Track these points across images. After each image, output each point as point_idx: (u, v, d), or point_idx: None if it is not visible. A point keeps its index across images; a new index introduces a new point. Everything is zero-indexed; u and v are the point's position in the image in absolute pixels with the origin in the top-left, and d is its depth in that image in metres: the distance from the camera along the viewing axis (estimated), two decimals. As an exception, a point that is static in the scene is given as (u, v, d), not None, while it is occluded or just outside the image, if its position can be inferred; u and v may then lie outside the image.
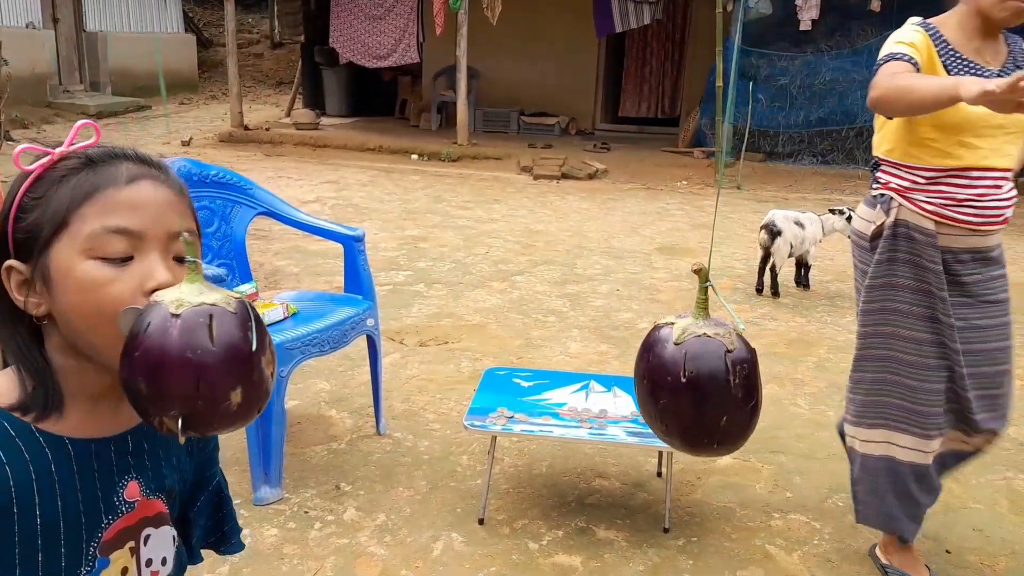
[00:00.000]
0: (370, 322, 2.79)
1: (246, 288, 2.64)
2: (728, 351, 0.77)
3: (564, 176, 8.72)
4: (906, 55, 1.93)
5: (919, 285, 2.00)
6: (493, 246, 5.70)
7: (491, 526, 2.35)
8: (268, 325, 2.49)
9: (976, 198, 1.93)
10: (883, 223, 2.04)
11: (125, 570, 0.85)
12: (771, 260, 4.61)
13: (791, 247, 4.58)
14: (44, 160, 0.81)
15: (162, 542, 0.89)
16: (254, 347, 0.71)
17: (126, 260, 0.78)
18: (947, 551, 2.32)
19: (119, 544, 0.84)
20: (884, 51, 1.99)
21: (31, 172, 0.80)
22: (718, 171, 8.66)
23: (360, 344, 2.87)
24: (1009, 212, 1.98)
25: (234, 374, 0.70)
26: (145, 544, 0.87)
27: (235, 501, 2.38)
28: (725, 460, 2.78)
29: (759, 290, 4.72)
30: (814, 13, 8.93)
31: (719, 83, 8.48)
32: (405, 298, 4.45)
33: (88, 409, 0.82)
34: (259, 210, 2.88)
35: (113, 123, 11.86)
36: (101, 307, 0.76)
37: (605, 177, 8.88)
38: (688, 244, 6.00)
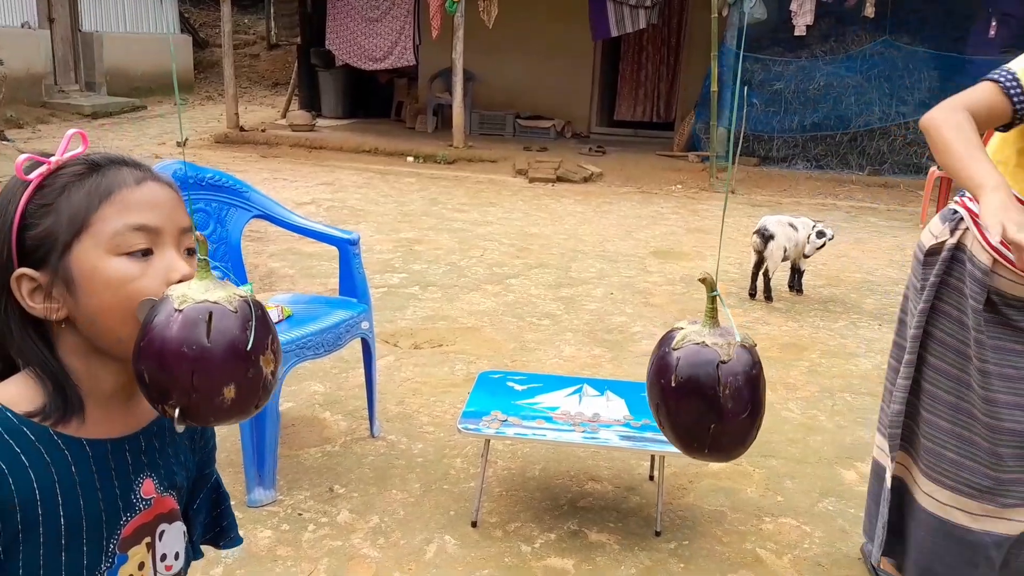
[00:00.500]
0: (364, 325, 2.80)
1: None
2: (722, 361, 0.78)
3: (559, 179, 8.74)
4: (1011, 83, 1.65)
5: (960, 316, 1.84)
6: (488, 249, 5.71)
7: (484, 529, 2.36)
8: (263, 328, 2.51)
9: None
10: (944, 242, 1.89)
11: (142, 565, 0.88)
12: (764, 265, 4.63)
13: (785, 250, 4.61)
14: (43, 169, 0.83)
15: (175, 537, 0.92)
16: (250, 346, 0.73)
17: (147, 255, 0.82)
18: (936, 555, 2.34)
19: (137, 540, 0.87)
20: (1008, 65, 1.70)
21: (30, 181, 0.82)
22: (711, 175, 8.69)
23: (354, 346, 2.88)
24: None
25: (228, 371, 0.73)
26: (160, 539, 0.90)
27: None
28: (716, 464, 2.79)
29: (752, 295, 4.74)
30: (809, 19, 8.98)
31: (714, 87, 8.52)
32: (400, 300, 4.46)
33: (102, 411, 0.85)
34: (255, 213, 2.89)
35: (108, 123, 11.85)
36: (130, 300, 0.79)
37: (600, 180, 8.91)
38: (683, 248, 6.02)
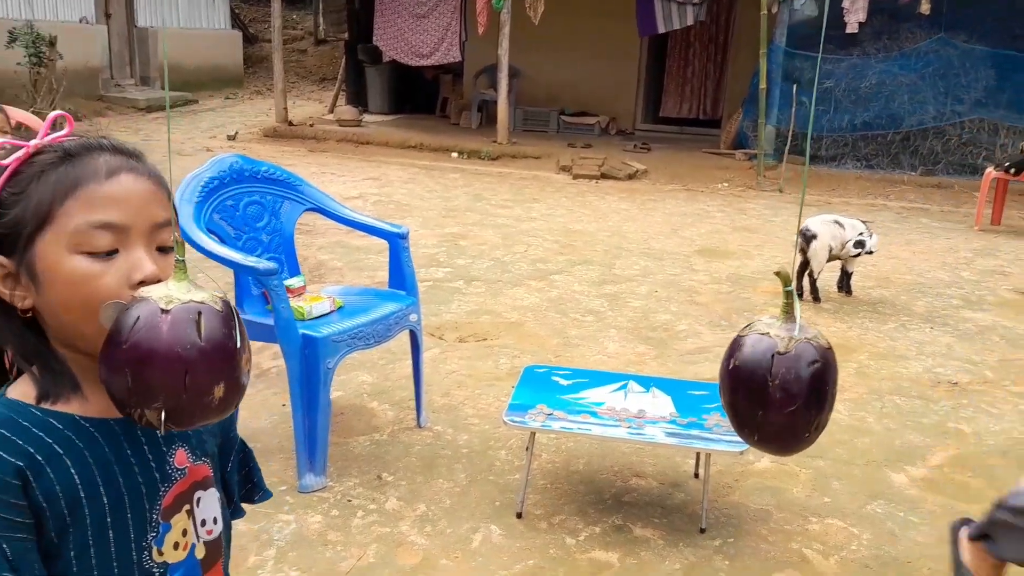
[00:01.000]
0: (413, 317, 2.85)
1: (295, 281, 2.71)
2: (778, 352, 0.79)
3: (603, 176, 8.72)
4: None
5: None
6: (532, 245, 5.73)
7: (529, 520, 2.39)
8: (316, 317, 2.57)
9: None
10: None
11: (185, 531, 0.90)
12: (809, 266, 4.58)
13: (831, 249, 4.54)
14: (19, 154, 0.80)
15: (211, 503, 0.94)
16: (238, 345, 0.75)
17: (112, 253, 0.80)
18: (988, 561, 2.30)
19: (177, 508, 0.89)
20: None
21: (6, 167, 0.80)
22: (758, 173, 8.58)
23: (401, 338, 2.93)
24: None
25: (219, 370, 0.74)
26: (198, 506, 0.92)
27: (280, 488, 2.47)
28: (763, 463, 2.78)
29: (799, 294, 4.68)
30: (861, 16, 8.82)
31: (763, 85, 8.41)
32: (445, 294, 4.51)
33: None
34: (308, 206, 2.95)
35: (161, 117, 12.13)
36: (88, 301, 0.78)
37: (645, 178, 8.86)
38: (728, 247, 5.97)
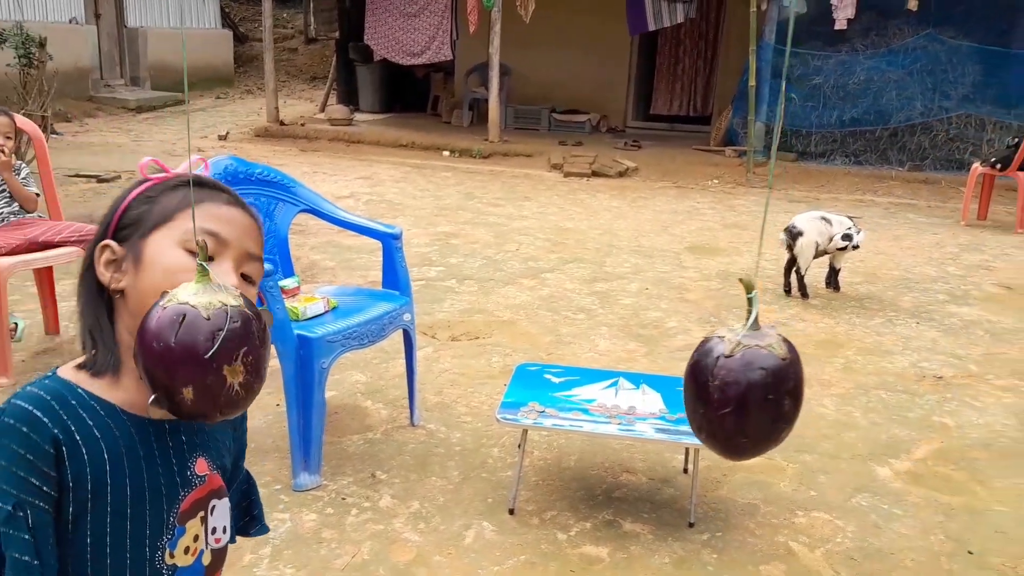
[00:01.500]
0: (407, 317, 2.89)
1: (289, 282, 2.75)
2: (725, 355, 0.81)
3: (594, 174, 8.76)
4: None
5: None
6: (523, 243, 5.77)
7: (521, 516, 2.43)
8: (310, 318, 2.60)
9: None
10: None
11: (196, 537, 0.95)
12: (796, 262, 4.63)
13: (817, 246, 4.59)
14: (161, 175, 0.98)
15: (223, 512, 1.00)
16: (210, 354, 0.78)
17: (208, 259, 0.89)
18: (969, 552, 2.35)
19: (193, 514, 0.95)
20: None
21: (149, 179, 0.97)
22: (747, 170, 8.65)
23: (394, 337, 2.96)
24: None
25: (185, 374, 0.78)
26: (212, 514, 0.97)
27: (275, 487, 2.50)
28: (750, 459, 2.83)
29: (787, 291, 4.74)
30: (850, 12, 8.87)
31: (752, 82, 8.46)
32: (437, 293, 4.54)
33: None
34: (302, 207, 2.98)
35: (151, 117, 12.12)
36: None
37: (636, 175, 8.91)
38: (718, 244, 6.02)
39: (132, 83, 13.65)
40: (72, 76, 11.70)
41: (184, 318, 0.78)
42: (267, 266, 2.46)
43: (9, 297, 3.27)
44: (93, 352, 0.92)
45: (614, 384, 2.63)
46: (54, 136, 9.27)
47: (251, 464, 2.68)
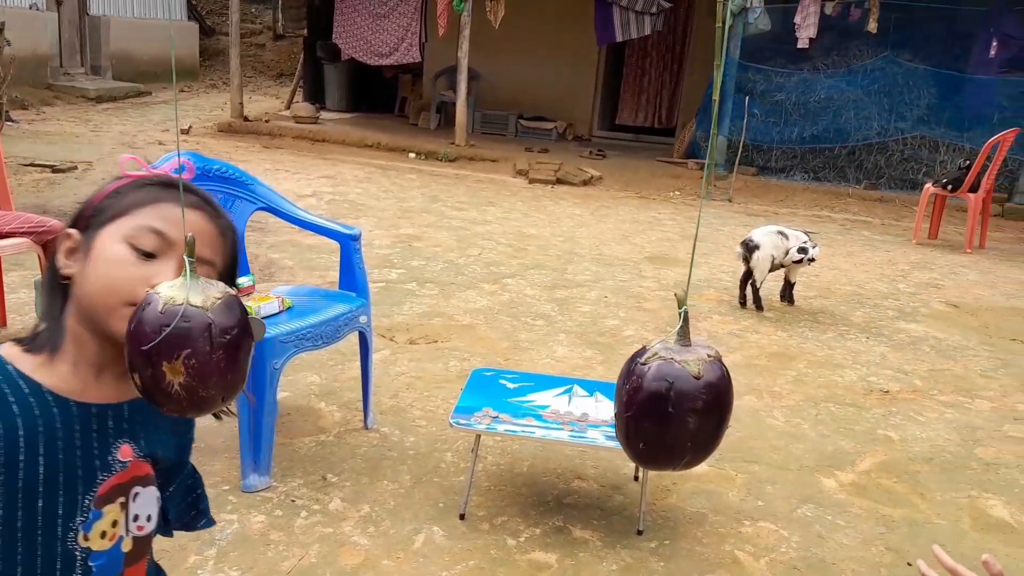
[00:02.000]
0: (363, 319, 2.87)
1: (244, 281, 2.71)
2: (640, 362, 0.85)
3: (559, 181, 8.82)
4: None
5: None
6: (486, 248, 5.78)
7: (471, 522, 2.43)
8: (264, 317, 2.57)
9: None
10: None
11: (115, 523, 0.96)
12: (752, 276, 4.71)
13: (773, 259, 4.68)
14: (138, 173, 1.01)
15: (148, 500, 1.01)
16: (148, 347, 0.80)
17: (150, 257, 0.93)
18: (908, 563, 2.42)
19: (111, 499, 0.96)
20: None
21: (128, 176, 1.00)
22: (708, 183, 8.77)
23: (350, 339, 2.95)
24: None
25: (134, 360, 0.82)
26: (134, 500, 0.98)
27: (224, 487, 2.47)
28: (701, 467, 2.87)
29: (742, 303, 4.82)
30: (812, 31, 9.06)
31: (715, 96, 8.59)
32: (397, 296, 4.53)
33: (92, 377, 0.95)
34: (259, 205, 2.95)
35: (112, 108, 11.88)
36: (112, 283, 0.91)
37: (599, 184, 8.98)
38: (678, 254, 6.10)
39: (92, 72, 13.36)
40: (30, 63, 11.42)
41: (147, 306, 0.82)
42: (247, 279, 2.43)
43: (-47, 288, 3.19)
44: (38, 331, 0.95)
45: (568, 391, 2.65)
46: (9, 124, 9.04)
47: (200, 463, 2.64)
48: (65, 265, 0.95)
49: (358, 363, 3.07)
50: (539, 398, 2.59)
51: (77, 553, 0.93)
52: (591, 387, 2.72)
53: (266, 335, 2.46)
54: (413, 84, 12.46)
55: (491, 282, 4.96)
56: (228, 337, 0.83)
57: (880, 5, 8.67)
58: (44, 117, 10.50)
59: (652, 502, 2.61)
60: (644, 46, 11.77)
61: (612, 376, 3.57)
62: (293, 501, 2.47)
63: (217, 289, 0.85)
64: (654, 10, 10.10)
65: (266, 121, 10.87)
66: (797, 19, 9.09)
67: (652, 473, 2.68)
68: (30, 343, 0.94)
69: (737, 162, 8.94)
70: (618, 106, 12.34)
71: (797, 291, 5.02)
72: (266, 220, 5.60)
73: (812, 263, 4.77)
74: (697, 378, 0.83)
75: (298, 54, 13.68)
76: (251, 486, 2.50)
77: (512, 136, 11.42)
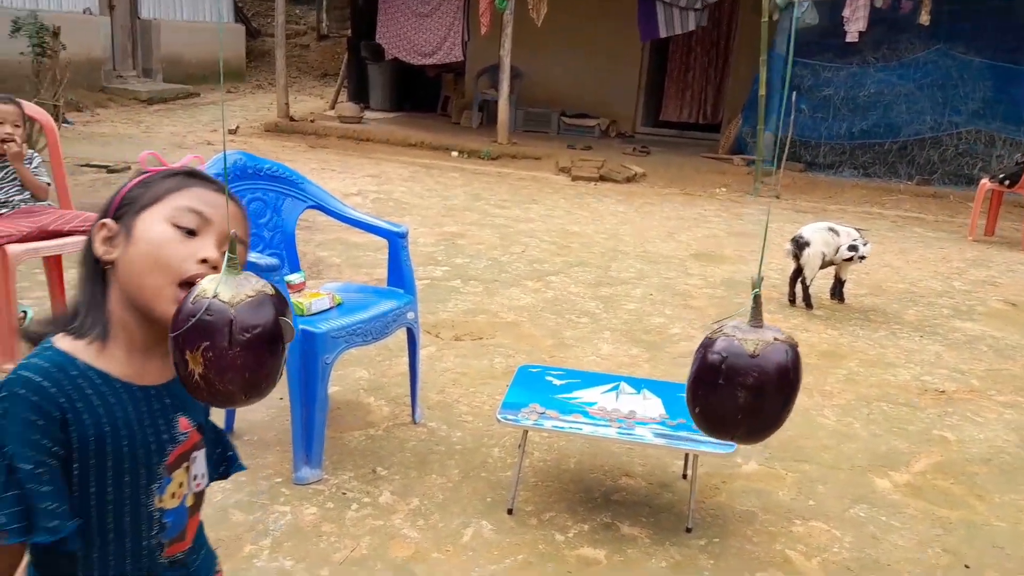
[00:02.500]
0: (410, 315, 2.90)
1: (295, 277, 2.76)
2: (709, 336, 0.91)
3: (602, 178, 8.78)
4: None
5: None
6: (529, 245, 5.79)
7: (519, 516, 2.44)
8: (315, 313, 2.61)
9: None
10: None
11: (181, 484, 1.09)
12: (803, 272, 4.64)
13: (823, 256, 4.60)
14: (160, 167, 1.11)
15: (202, 462, 1.14)
16: (175, 334, 0.85)
17: (192, 234, 1.01)
18: (966, 566, 2.36)
19: (178, 465, 1.08)
20: None
21: (147, 170, 1.09)
22: (755, 179, 8.65)
23: (397, 335, 2.97)
24: None
25: (169, 343, 0.87)
26: (193, 463, 1.12)
27: (276, 480, 2.52)
28: (750, 466, 2.84)
29: (791, 301, 4.74)
30: (862, 25, 8.87)
31: (762, 91, 8.47)
32: (442, 293, 4.56)
33: (143, 361, 1.04)
34: (309, 204, 3.00)
35: (162, 109, 12.17)
36: (160, 259, 0.99)
37: (643, 181, 8.92)
38: (724, 251, 6.03)
39: (144, 74, 13.69)
40: (84, 66, 11.74)
41: (187, 296, 0.86)
42: (274, 260, 2.49)
43: (18, 284, 3.30)
44: (79, 320, 1.01)
45: (615, 388, 2.64)
46: (65, 125, 9.31)
47: (253, 456, 2.70)
48: (105, 252, 1.01)
49: (405, 359, 3.10)
50: (586, 395, 2.58)
51: (155, 514, 1.05)
52: (638, 384, 2.70)
53: (318, 331, 2.50)
54: (455, 83, 12.52)
55: (535, 279, 4.96)
56: (248, 335, 0.84)
57: (933, -4, 8.46)
58: (98, 119, 10.80)
59: (701, 500, 2.59)
60: (688, 41, 11.65)
61: (658, 374, 3.55)
62: (344, 494, 2.50)
63: (252, 287, 0.86)
64: (698, 5, 9.99)
65: (311, 121, 11.03)
66: (846, 12, 8.91)
67: (701, 471, 2.66)
68: (77, 331, 1.01)
69: (784, 158, 8.80)
70: (662, 102, 12.25)
71: (848, 289, 4.92)
72: (314, 219, 5.67)
73: (863, 261, 4.67)
74: (752, 356, 0.87)
75: (342, 54, 13.85)
76: (303, 479, 2.54)
77: (555, 134, 11.40)
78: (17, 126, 3.32)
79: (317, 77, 16.63)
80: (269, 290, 0.88)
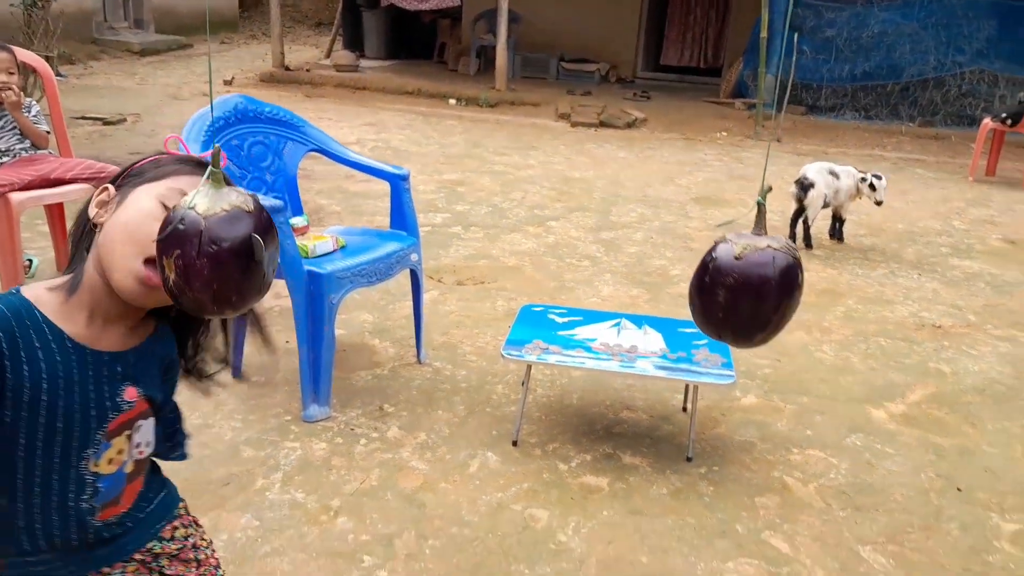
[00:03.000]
0: (414, 257, 2.93)
1: (299, 221, 2.78)
2: (713, 250, 0.97)
3: (602, 124, 8.72)
4: None
5: None
6: (529, 192, 5.79)
7: (524, 448, 2.51)
8: (319, 256, 2.64)
9: None
10: None
11: (120, 451, 1.10)
12: (804, 213, 4.65)
13: (825, 198, 4.61)
14: (178, 152, 1.15)
15: (148, 430, 1.15)
16: (156, 239, 0.90)
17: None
18: (958, 488, 2.43)
19: (119, 433, 1.09)
20: None
21: (168, 152, 1.16)
22: (756, 123, 8.59)
23: (400, 280, 3.01)
24: None
25: (156, 247, 0.92)
26: (137, 432, 1.12)
27: (286, 418, 2.58)
28: (749, 399, 2.90)
29: (792, 239, 4.77)
30: (865, -38, 8.71)
31: (763, 34, 8.36)
32: (443, 239, 4.58)
33: (103, 326, 1.06)
34: (310, 147, 3.00)
35: (156, 61, 12.01)
36: (135, 232, 1.01)
37: (644, 126, 8.86)
38: (725, 195, 6.03)
39: (136, 26, 13.48)
40: (76, 18, 11.55)
41: (175, 207, 0.91)
42: (278, 201, 2.51)
43: (22, 234, 3.32)
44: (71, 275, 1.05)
45: (617, 324, 2.69)
46: (58, 78, 9.19)
47: (262, 396, 2.76)
48: (96, 214, 1.05)
49: (409, 303, 3.14)
50: (588, 331, 2.63)
51: (87, 477, 1.06)
52: (639, 321, 2.75)
53: (323, 272, 2.53)
54: (452, 29, 12.33)
55: (536, 225, 4.98)
56: (215, 247, 0.86)
57: (938, -69, 8.29)
58: (91, 71, 10.67)
59: (701, 432, 2.65)
60: (688, -17, 11.44)
61: (659, 313, 3.59)
62: (352, 430, 2.56)
63: (230, 201, 0.89)
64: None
65: (307, 71, 10.89)
66: (849, -51, 8.74)
67: (701, 404, 2.72)
68: (56, 285, 1.04)
69: (786, 101, 8.72)
70: (662, 46, 12.09)
71: (847, 229, 4.94)
72: (313, 167, 5.67)
73: (880, 206, 4.70)
74: (737, 258, 0.90)
75: (336, 2, 13.61)
76: (312, 416, 2.60)
77: (553, 79, 11.27)
78: (12, 73, 3.30)
79: (311, 26, 16.38)
80: (248, 206, 0.90)
